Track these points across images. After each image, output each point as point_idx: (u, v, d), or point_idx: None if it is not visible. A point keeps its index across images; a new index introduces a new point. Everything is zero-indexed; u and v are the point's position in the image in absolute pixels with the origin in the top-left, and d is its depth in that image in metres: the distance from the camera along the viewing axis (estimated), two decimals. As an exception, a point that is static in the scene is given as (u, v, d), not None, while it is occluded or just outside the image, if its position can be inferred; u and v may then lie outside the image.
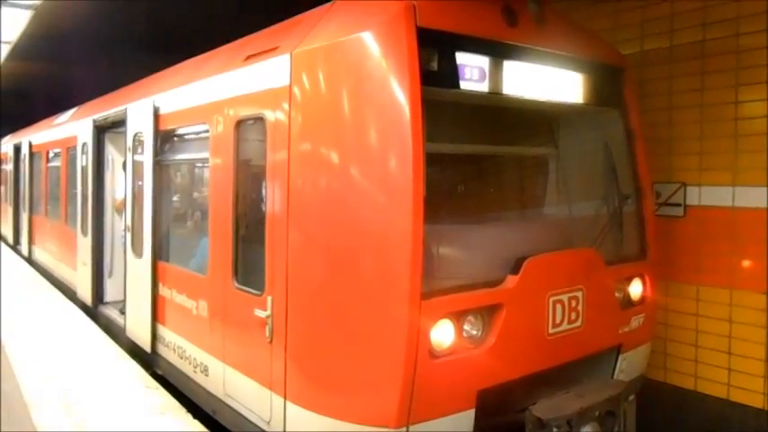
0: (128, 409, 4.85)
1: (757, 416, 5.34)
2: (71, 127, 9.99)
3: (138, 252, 6.61)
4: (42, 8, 9.19)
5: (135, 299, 6.70)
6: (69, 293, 9.44)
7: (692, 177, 5.78)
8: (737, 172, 5.45)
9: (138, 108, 6.66)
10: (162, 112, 6.15)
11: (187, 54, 6.69)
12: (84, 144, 8.86)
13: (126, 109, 6.98)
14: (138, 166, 6.81)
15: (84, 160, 8.82)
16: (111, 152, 8.56)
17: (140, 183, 6.65)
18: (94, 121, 8.38)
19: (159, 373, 6.11)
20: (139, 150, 6.78)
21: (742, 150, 5.42)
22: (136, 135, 6.78)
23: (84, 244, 8.67)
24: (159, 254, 6.23)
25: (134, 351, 6.58)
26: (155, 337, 6.21)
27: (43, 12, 9.39)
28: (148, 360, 6.33)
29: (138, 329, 6.58)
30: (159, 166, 6.26)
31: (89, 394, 5.16)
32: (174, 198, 6.91)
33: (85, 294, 8.57)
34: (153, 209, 6.22)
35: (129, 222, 6.97)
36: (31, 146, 13.31)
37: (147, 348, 6.28)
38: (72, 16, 9.96)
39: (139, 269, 6.51)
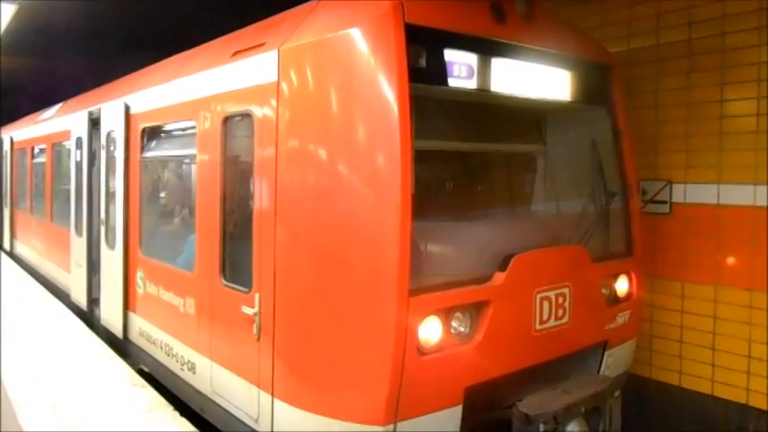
0: (114, 408, 4.82)
1: (740, 411, 5.41)
2: (62, 121, 9.60)
3: (110, 244, 6.87)
4: (27, 3, 9.06)
5: (108, 289, 6.96)
6: (52, 289, 9.38)
7: (677, 175, 5.83)
8: (722, 170, 5.50)
9: (132, 103, 6.61)
10: (151, 107, 6.13)
11: (174, 48, 6.65)
12: (78, 139, 8.36)
13: (120, 103, 6.92)
14: (111, 163, 6.94)
15: (79, 156, 8.30)
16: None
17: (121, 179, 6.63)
18: (90, 114, 7.87)
19: (146, 370, 6.08)
20: (112, 147, 6.96)
21: (727, 148, 5.48)
22: (109, 133, 6.92)
23: (79, 244, 8.16)
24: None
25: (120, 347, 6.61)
26: (126, 325, 6.57)
27: (28, 6, 9.26)
28: (122, 346, 6.62)
29: (111, 317, 6.89)
30: (139, 162, 6.31)
31: (75, 393, 5.12)
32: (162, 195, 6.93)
33: (80, 297, 8.13)
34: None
35: (103, 216, 7.16)
36: (19, 141, 13.13)
37: (120, 335, 6.63)
38: (58, 11, 9.84)
39: (112, 260, 6.77)
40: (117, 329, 6.72)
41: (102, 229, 7.20)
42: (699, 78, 5.66)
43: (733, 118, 5.45)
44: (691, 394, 5.76)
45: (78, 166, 8.35)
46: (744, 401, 5.40)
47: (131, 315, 6.52)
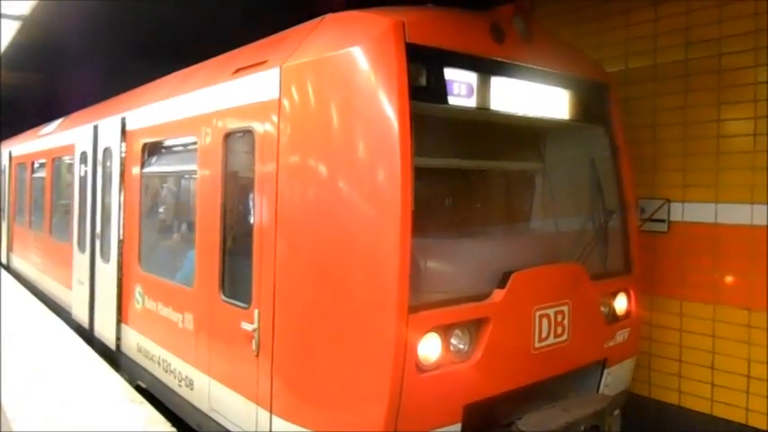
0: (111, 423, 4.79)
1: (740, 431, 5.38)
2: (65, 136, 9.49)
3: (105, 257, 7.06)
4: (30, 19, 9.14)
5: (102, 302, 7.15)
6: (50, 304, 9.34)
7: (675, 194, 5.87)
8: (720, 189, 5.54)
9: (133, 119, 6.67)
10: (153, 123, 6.19)
11: (176, 64, 6.72)
12: (83, 153, 8.18)
13: (118, 119, 6.98)
14: (111, 178, 7.03)
15: (83, 170, 8.09)
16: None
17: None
18: (95, 129, 7.71)
19: (144, 386, 6.05)
20: (108, 163, 7.16)
21: (724, 168, 5.52)
22: (108, 148, 7.06)
23: (82, 261, 7.95)
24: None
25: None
26: (119, 337, 6.71)
27: (31, 23, 9.35)
28: (114, 357, 6.76)
29: (105, 330, 7.04)
30: (140, 178, 6.37)
31: (72, 408, 5.09)
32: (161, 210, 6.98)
33: (82, 315, 7.94)
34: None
35: (99, 230, 7.35)
36: (19, 156, 13.15)
37: (113, 346, 6.81)
38: (60, 27, 9.95)
39: (106, 273, 6.97)
40: (110, 341, 6.85)
41: (98, 242, 7.34)
42: (696, 98, 5.72)
43: (730, 138, 5.50)
44: (690, 414, 5.74)
45: (82, 180, 8.18)
46: (743, 421, 5.38)
47: (124, 327, 6.60)
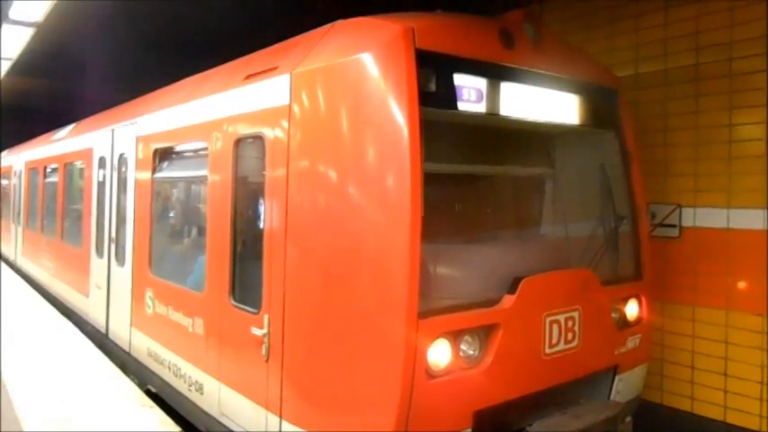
0: (121, 427, 4.81)
1: (754, 438, 5.33)
2: (81, 140, 9.47)
3: (120, 261, 7.15)
4: (44, 26, 9.25)
5: (117, 305, 7.24)
6: (60, 307, 9.41)
7: (687, 199, 5.83)
8: (732, 194, 5.50)
9: (145, 125, 6.72)
10: (164, 129, 6.24)
11: (189, 69, 6.77)
12: (101, 158, 8.18)
13: (131, 124, 7.03)
14: (123, 183, 7.14)
15: (102, 175, 8.13)
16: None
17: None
18: (113, 133, 7.71)
19: (153, 391, 6.08)
20: (124, 168, 7.21)
21: (736, 172, 5.48)
22: (122, 154, 7.09)
23: (100, 266, 7.98)
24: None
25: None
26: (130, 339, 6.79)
27: (45, 29, 9.46)
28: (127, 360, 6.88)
29: (120, 333, 7.13)
30: (151, 183, 6.41)
31: (82, 412, 5.12)
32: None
33: (99, 320, 7.99)
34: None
35: (113, 234, 7.48)
36: (34, 161, 13.25)
37: (127, 348, 6.93)
38: (74, 34, 10.05)
39: (121, 277, 7.08)
40: (125, 344, 6.94)
41: (113, 246, 7.47)
42: (707, 103, 5.69)
43: (742, 142, 5.46)
44: (703, 421, 5.68)
45: (101, 185, 8.19)
46: (757, 429, 5.32)
47: (135, 331, 6.68)
